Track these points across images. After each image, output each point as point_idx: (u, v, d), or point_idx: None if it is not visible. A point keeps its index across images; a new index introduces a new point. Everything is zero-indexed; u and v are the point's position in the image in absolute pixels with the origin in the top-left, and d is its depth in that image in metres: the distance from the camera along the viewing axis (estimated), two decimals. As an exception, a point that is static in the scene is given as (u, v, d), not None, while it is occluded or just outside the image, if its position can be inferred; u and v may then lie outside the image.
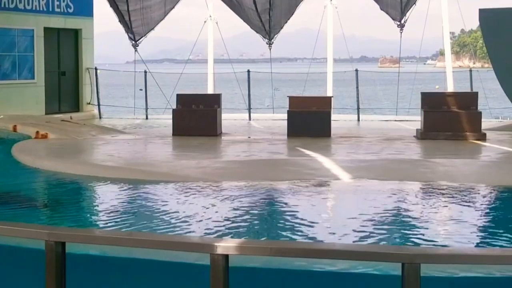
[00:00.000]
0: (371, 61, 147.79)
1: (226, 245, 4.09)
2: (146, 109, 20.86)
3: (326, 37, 22.42)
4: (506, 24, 15.57)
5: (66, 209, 7.96)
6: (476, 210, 8.12)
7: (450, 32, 28.02)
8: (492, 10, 16.23)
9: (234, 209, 7.73)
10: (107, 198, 8.73)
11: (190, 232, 6.48)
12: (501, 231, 7.05)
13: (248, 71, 21.04)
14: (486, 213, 8.16)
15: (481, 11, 16.04)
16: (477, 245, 6.46)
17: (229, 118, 18.74)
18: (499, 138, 14.26)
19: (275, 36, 22.55)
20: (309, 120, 14.76)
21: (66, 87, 19.61)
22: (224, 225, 6.85)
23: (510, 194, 9.04)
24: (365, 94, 33.04)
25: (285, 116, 15.50)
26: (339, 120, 18.29)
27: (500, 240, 6.66)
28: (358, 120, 19.55)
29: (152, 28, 21.35)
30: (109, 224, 7.03)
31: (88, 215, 7.67)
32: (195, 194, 8.71)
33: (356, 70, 20.58)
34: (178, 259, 4.79)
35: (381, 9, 20.75)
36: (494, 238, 6.79)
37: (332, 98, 17.27)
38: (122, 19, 20.71)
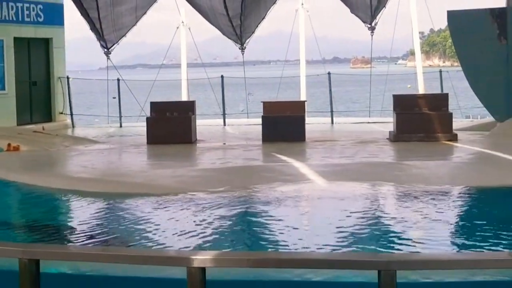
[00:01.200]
0: (343, 62, 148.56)
1: (203, 258, 4.09)
2: (120, 117, 20.74)
3: (298, 39, 22.53)
4: (473, 25, 15.83)
5: (40, 225, 7.87)
6: (451, 213, 8.20)
7: (420, 32, 28.30)
8: (460, 12, 16.49)
9: (210, 219, 7.71)
10: (82, 212, 8.64)
11: (166, 245, 6.45)
12: (476, 233, 7.13)
13: (222, 76, 21.06)
14: (461, 215, 8.26)
15: (449, 13, 16.29)
16: (453, 249, 6.52)
17: (204, 124, 18.72)
18: (470, 138, 14.46)
19: (247, 40, 22.60)
20: (283, 125, 14.81)
21: (37, 97, 19.41)
22: (200, 237, 6.83)
23: (483, 195, 9.15)
24: (338, 96, 33.25)
25: (259, 120, 15.55)
26: (313, 124, 18.36)
27: (475, 242, 6.73)
28: (332, 123, 19.66)
29: (124, 35, 21.25)
30: (84, 240, 6.96)
31: (62, 231, 7.59)
32: (171, 205, 8.68)
33: (329, 73, 20.69)
34: (155, 274, 4.77)
35: (352, 12, 20.91)
36: (469, 241, 6.86)
37: (305, 102, 17.36)
38: (93, 27, 20.58)
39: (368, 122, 19.48)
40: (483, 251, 6.21)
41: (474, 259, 4.26)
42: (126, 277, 4.76)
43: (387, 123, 16.91)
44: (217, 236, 6.82)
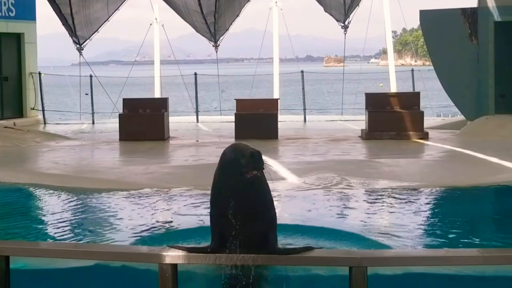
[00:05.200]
0: (317, 60, 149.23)
1: (174, 255, 4.10)
2: (93, 113, 20.60)
3: (272, 37, 22.58)
4: (445, 25, 16.03)
5: (9, 221, 7.79)
6: (421, 210, 8.29)
7: (392, 31, 28.55)
8: (432, 12, 16.69)
9: (182, 216, 7.70)
10: (52, 208, 8.55)
11: (136, 242, 6.42)
12: (446, 231, 7.21)
13: (195, 73, 21.02)
14: (431, 213, 8.34)
15: (422, 13, 16.47)
16: (423, 246, 6.59)
17: (176, 121, 18.66)
18: (441, 137, 14.64)
19: (221, 38, 22.60)
20: (256, 122, 14.85)
21: (8, 92, 19.16)
22: (171, 234, 6.82)
23: (453, 193, 9.27)
24: (311, 94, 33.41)
25: (232, 118, 15.56)
26: (286, 121, 18.44)
27: (445, 239, 6.81)
28: (305, 120, 19.75)
29: (96, 31, 21.12)
30: (55, 236, 6.91)
31: (33, 227, 7.51)
32: (143, 201, 8.64)
33: (302, 72, 20.79)
34: (126, 270, 4.76)
35: (325, 11, 21.04)
36: (440, 238, 6.93)
37: (278, 100, 17.42)
38: (65, 23, 20.42)
39: (341, 120, 19.62)
40: (452, 248, 6.28)
41: (445, 256, 4.32)
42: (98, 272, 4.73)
43: (359, 121, 17.03)
44: (188, 233, 6.81)
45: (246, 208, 4.23)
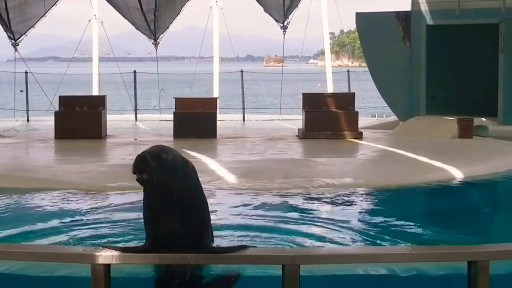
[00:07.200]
0: (257, 60, 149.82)
1: (108, 255, 4.10)
2: (27, 111, 20.20)
3: (212, 36, 22.62)
4: (380, 27, 16.45)
5: None
6: (353, 209, 8.49)
7: (330, 33, 29.00)
8: (368, 14, 17.09)
9: (116, 216, 7.66)
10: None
11: (70, 242, 6.37)
12: (376, 228, 7.40)
13: (135, 71, 20.88)
14: (363, 211, 8.55)
15: (358, 15, 16.85)
16: (355, 243, 6.74)
17: (114, 120, 18.48)
18: (374, 136, 15.02)
19: (161, 36, 22.50)
20: (195, 121, 14.88)
21: None
22: (106, 234, 6.79)
23: (384, 192, 9.52)
24: (251, 93, 33.57)
25: (171, 116, 15.54)
26: (225, 121, 18.53)
27: (376, 236, 6.99)
28: (244, 120, 19.88)
29: (33, 26, 20.70)
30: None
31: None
32: (77, 201, 8.56)
33: (241, 71, 20.92)
34: (58, 272, 4.72)
35: (265, 11, 21.22)
36: (371, 235, 7.11)
37: (218, 99, 17.49)
38: (-1, 17, 19.92)
39: (279, 120, 19.84)
40: (383, 246, 6.46)
41: (375, 253, 4.46)
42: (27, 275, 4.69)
43: (297, 121, 17.26)
44: (123, 233, 6.80)
45: (169, 208, 4.27)
